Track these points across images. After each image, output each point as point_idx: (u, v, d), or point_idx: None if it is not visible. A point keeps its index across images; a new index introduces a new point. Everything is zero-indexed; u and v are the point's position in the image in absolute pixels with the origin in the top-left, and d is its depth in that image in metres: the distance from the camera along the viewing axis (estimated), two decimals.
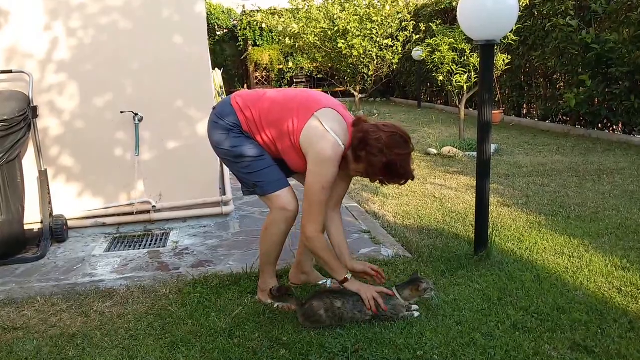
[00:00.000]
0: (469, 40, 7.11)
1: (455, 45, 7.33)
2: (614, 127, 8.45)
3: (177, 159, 4.37)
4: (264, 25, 12.32)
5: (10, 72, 4.00)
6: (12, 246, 3.86)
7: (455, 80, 7.40)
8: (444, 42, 7.36)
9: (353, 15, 10.56)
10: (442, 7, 12.38)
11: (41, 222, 4.13)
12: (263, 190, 2.86)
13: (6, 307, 3.11)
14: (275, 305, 2.93)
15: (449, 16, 11.90)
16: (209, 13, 17.22)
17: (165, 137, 4.34)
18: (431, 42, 7.61)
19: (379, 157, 2.62)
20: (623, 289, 3.04)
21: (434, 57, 7.55)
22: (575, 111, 8.69)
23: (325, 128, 2.66)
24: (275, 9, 14.96)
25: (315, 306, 2.71)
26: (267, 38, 17.51)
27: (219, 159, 4.43)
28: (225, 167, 4.61)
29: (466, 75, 7.33)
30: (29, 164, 4.12)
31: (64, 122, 4.18)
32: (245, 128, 2.83)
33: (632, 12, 7.37)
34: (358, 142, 2.67)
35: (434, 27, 7.99)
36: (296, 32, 10.89)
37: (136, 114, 4.21)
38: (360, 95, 12.07)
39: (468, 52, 7.30)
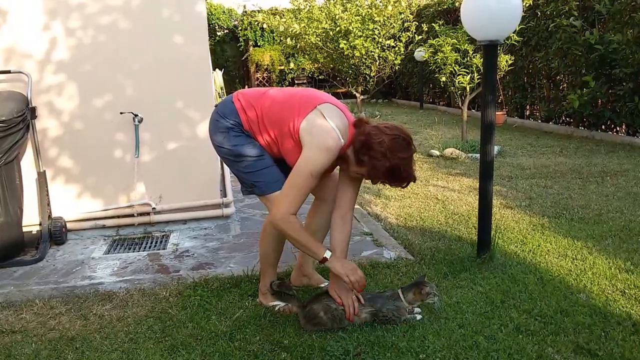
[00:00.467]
0: (471, 40, 7.08)
1: (458, 46, 7.31)
2: (618, 128, 8.41)
3: (177, 160, 4.35)
4: (265, 26, 12.28)
5: (8, 72, 3.98)
6: (11, 248, 3.85)
7: (458, 81, 7.37)
8: (447, 43, 7.33)
9: (355, 16, 10.53)
10: (445, 7, 12.36)
11: (40, 224, 4.12)
12: (262, 190, 2.84)
13: (4, 310, 3.09)
14: (277, 308, 2.92)
15: (451, 16, 11.88)
16: (210, 13, 17.21)
17: (165, 139, 4.32)
18: (434, 42, 7.59)
19: (382, 162, 2.59)
20: (627, 291, 3.02)
21: (436, 57, 7.52)
22: (578, 112, 8.65)
23: (326, 119, 2.64)
24: (276, 9, 14.95)
25: (315, 309, 2.70)
26: (268, 38, 17.50)
27: (219, 160, 4.44)
28: (226, 168, 4.59)
29: (469, 76, 7.31)
30: (27, 165, 4.10)
31: (63, 123, 4.17)
32: (246, 127, 2.81)
33: (636, 13, 7.34)
34: (360, 145, 2.63)
35: (437, 28, 7.96)
36: (297, 32, 10.87)
37: (136, 115, 4.19)
38: (362, 97, 12.04)
39: (471, 52, 7.28)
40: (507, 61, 7.43)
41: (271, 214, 2.70)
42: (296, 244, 2.76)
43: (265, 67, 17.48)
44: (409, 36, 11.21)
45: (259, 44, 17.71)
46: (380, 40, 10.90)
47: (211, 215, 4.51)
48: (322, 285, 3.20)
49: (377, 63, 11.24)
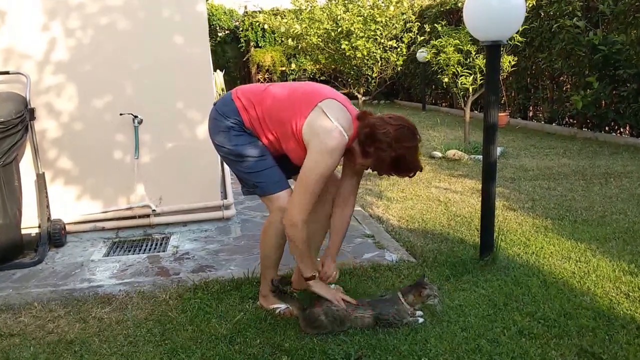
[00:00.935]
0: (474, 41, 7.05)
1: (461, 47, 7.28)
2: (622, 129, 8.39)
3: (177, 162, 4.33)
4: (266, 26, 12.23)
5: (7, 73, 3.96)
6: (9, 251, 3.83)
7: (461, 82, 7.34)
8: (449, 44, 7.30)
9: (357, 16, 10.49)
10: (447, 7, 12.34)
11: (39, 227, 4.10)
12: (263, 190, 2.82)
13: (3, 313, 3.08)
14: (278, 311, 2.91)
15: (454, 17, 11.85)
16: (211, 14, 17.23)
17: (165, 140, 4.29)
18: (436, 43, 7.57)
19: (388, 152, 2.59)
20: (631, 294, 3.00)
21: (439, 58, 7.50)
22: (582, 114, 8.63)
23: (329, 118, 2.61)
24: (277, 10, 14.93)
25: (315, 312, 2.69)
26: (270, 39, 17.50)
27: (220, 161, 4.41)
28: (226, 170, 4.57)
29: (472, 77, 7.28)
30: (26, 167, 4.08)
31: (62, 124, 4.15)
32: (248, 125, 2.78)
33: None
34: (365, 137, 2.63)
35: (439, 28, 7.93)
36: (299, 33, 10.84)
37: (136, 116, 4.17)
38: (364, 98, 12.00)
39: (474, 53, 7.25)
40: (510, 62, 7.40)
41: (286, 219, 2.69)
42: (294, 252, 2.77)
43: (266, 68, 17.47)
44: (411, 37, 11.17)
45: (260, 45, 17.71)
46: (382, 41, 10.86)
47: (212, 217, 4.49)
48: None
49: (379, 64, 11.21)
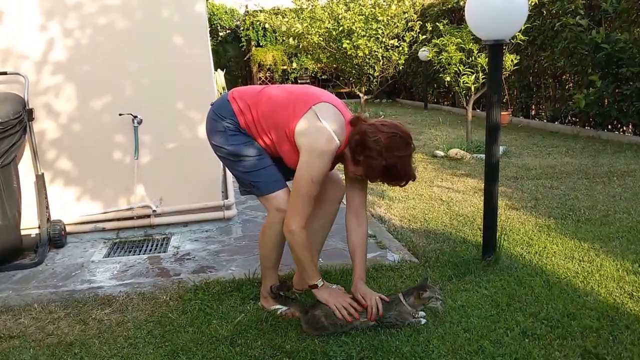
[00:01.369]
0: (476, 40, 7.04)
1: (463, 46, 7.26)
2: (625, 128, 8.37)
3: (177, 162, 4.31)
4: (267, 26, 12.22)
5: (5, 73, 3.94)
6: (9, 252, 3.82)
7: (463, 81, 7.32)
8: (451, 42, 7.28)
9: (358, 15, 10.47)
10: (449, 6, 12.32)
11: (39, 228, 4.08)
12: (260, 190, 2.80)
13: (2, 314, 3.06)
14: (279, 312, 2.88)
15: (456, 16, 11.83)
16: (212, 13, 17.22)
17: (165, 140, 4.28)
18: (438, 42, 7.54)
19: (378, 161, 2.54)
20: (635, 294, 2.98)
21: (440, 57, 7.47)
22: (584, 112, 8.61)
23: (320, 121, 2.58)
24: (278, 9, 14.88)
25: (317, 314, 2.67)
26: (271, 38, 17.49)
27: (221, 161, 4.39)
28: (227, 170, 4.55)
29: (474, 75, 7.26)
30: (25, 168, 4.06)
31: (61, 124, 4.13)
32: (243, 126, 2.76)
33: None
34: (356, 144, 2.59)
35: (441, 27, 7.91)
36: (300, 32, 10.82)
37: (135, 117, 4.15)
38: (365, 97, 11.99)
39: (476, 52, 7.22)
40: (512, 60, 7.37)
41: (285, 224, 2.67)
42: (296, 259, 2.76)
43: (267, 67, 17.47)
44: (412, 36, 11.15)
45: (261, 44, 17.71)
46: (383, 39, 10.83)
47: (212, 217, 4.48)
48: None
49: (381, 63, 11.18)
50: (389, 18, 10.71)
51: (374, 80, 11.80)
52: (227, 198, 4.55)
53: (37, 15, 3.97)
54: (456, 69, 7.34)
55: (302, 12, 11.32)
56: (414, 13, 11.29)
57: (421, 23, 11.39)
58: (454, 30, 7.58)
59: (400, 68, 12.02)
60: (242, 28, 17.81)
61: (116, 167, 4.23)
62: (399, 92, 16.82)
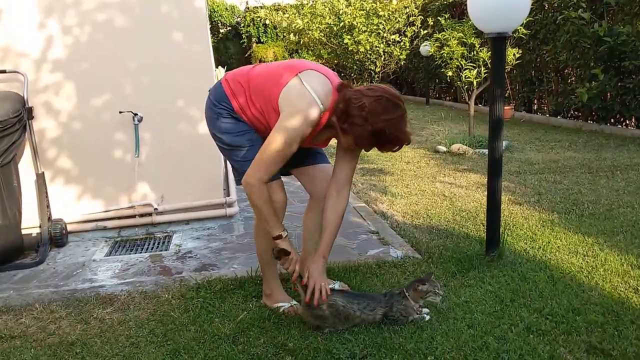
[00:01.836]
0: (478, 34, 7.00)
1: (465, 40, 7.23)
2: (627, 122, 8.35)
3: (178, 159, 4.29)
4: (267, 22, 12.23)
5: (4, 72, 3.92)
6: (10, 252, 3.80)
7: (465, 76, 7.30)
8: (453, 37, 7.26)
9: (359, 10, 10.47)
10: (451, 0, 12.29)
11: (39, 227, 4.06)
12: None
13: (3, 314, 3.05)
14: (281, 310, 2.87)
15: (457, 10, 11.80)
16: (212, 10, 17.22)
17: (166, 138, 4.25)
18: (439, 36, 7.53)
19: (365, 127, 2.44)
20: (639, 288, 2.96)
21: (442, 52, 7.45)
22: (587, 106, 8.58)
23: (304, 85, 2.50)
24: (279, 5, 14.89)
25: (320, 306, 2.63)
26: (271, 35, 17.50)
27: (222, 159, 4.38)
28: (229, 167, 4.53)
29: (476, 70, 7.24)
30: (25, 166, 4.04)
31: (61, 123, 4.11)
32: (237, 110, 2.69)
33: None
34: (340, 112, 2.49)
35: (442, 22, 7.89)
36: (301, 28, 10.83)
37: (135, 114, 4.12)
38: None
39: (477, 46, 7.20)
40: (514, 54, 7.34)
41: (244, 178, 2.57)
42: (257, 213, 2.66)
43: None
44: (414, 31, 11.14)
45: (262, 41, 17.72)
46: (385, 35, 10.83)
47: (214, 215, 4.45)
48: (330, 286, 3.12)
49: (382, 58, 11.17)
50: (390, 13, 10.71)
51: (376, 76, 11.79)
52: (228, 195, 4.54)
53: (36, 12, 3.95)
54: (458, 63, 7.32)
55: (302, 8, 11.32)
56: (415, 8, 11.28)
57: (422, 18, 11.39)
58: (455, 25, 7.55)
59: (402, 63, 12.01)
60: (242, 25, 17.81)
61: (117, 165, 4.21)
62: (401, 87, 16.78)
